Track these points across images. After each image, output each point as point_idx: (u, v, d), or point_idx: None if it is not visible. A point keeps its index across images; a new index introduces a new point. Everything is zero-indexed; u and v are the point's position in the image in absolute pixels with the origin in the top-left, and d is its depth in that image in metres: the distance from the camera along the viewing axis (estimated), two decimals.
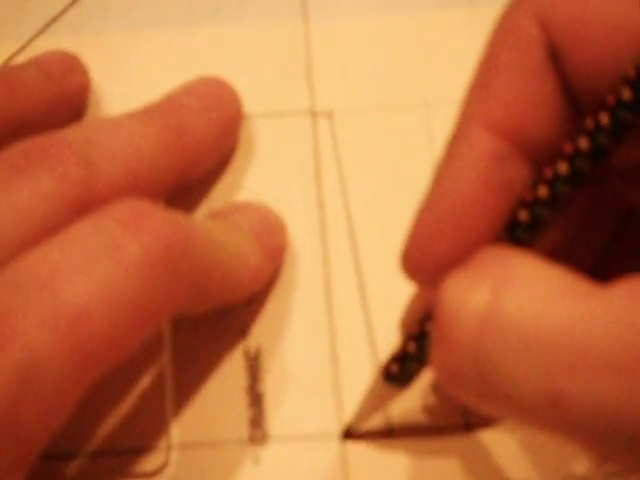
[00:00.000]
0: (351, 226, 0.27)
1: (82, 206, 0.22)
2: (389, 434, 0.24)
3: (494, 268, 0.18)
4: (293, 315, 0.26)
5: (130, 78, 0.30)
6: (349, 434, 0.24)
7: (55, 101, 0.27)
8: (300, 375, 0.25)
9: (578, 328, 0.16)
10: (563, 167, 0.18)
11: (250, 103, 0.28)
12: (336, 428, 0.24)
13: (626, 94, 0.17)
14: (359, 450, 0.24)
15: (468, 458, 0.24)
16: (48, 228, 0.21)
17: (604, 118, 0.18)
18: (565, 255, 0.20)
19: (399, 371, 0.21)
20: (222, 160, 0.28)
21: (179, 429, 0.24)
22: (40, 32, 0.30)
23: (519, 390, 0.17)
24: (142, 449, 0.24)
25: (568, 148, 0.18)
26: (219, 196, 0.27)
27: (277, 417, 0.24)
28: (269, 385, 0.25)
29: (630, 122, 0.18)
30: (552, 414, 0.17)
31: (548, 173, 0.19)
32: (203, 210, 0.27)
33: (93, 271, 0.18)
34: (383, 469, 0.24)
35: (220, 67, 0.29)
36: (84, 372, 0.18)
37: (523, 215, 0.19)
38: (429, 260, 0.20)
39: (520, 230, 0.19)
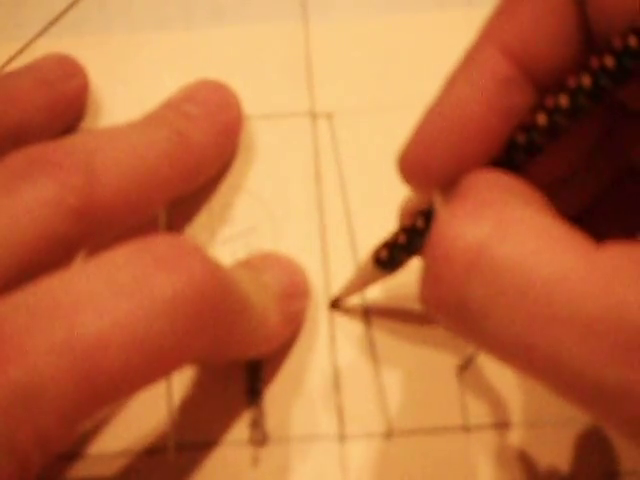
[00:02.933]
0: (351, 226, 0.27)
1: (83, 214, 0.22)
2: (389, 434, 0.24)
3: (493, 209, 0.18)
4: None
5: (130, 79, 0.30)
6: (335, 304, 0.26)
7: (54, 106, 0.27)
8: (300, 376, 0.25)
9: (564, 284, 0.17)
10: (564, 100, 0.19)
11: (250, 104, 0.28)
12: (336, 429, 0.24)
13: (632, 41, 0.18)
14: (359, 450, 0.24)
15: (467, 460, 0.24)
16: (49, 235, 0.21)
17: (609, 61, 0.18)
18: (556, 196, 0.21)
19: (387, 258, 0.23)
20: (224, 164, 0.28)
21: (179, 429, 0.24)
22: (40, 33, 0.30)
23: (496, 332, 0.17)
24: (142, 449, 0.24)
25: (571, 82, 0.19)
26: (220, 196, 0.27)
27: (277, 418, 0.24)
28: (269, 386, 0.25)
29: (633, 69, 0.18)
30: (522, 359, 0.17)
31: (549, 103, 0.19)
32: (204, 211, 0.27)
33: (116, 305, 0.18)
34: (383, 469, 0.24)
35: (220, 68, 0.29)
36: (88, 403, 0.17)
37: (520, 138, 0.19)
38: (424, 165, 0.20)
39: (516, 153, 0.20)
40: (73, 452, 0.24)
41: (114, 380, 0.18)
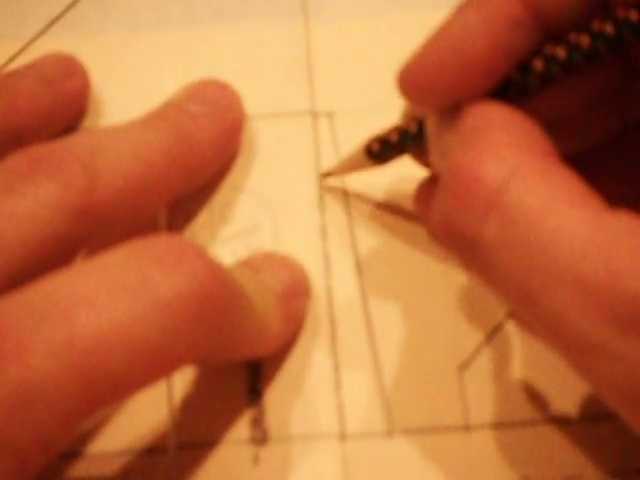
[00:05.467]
0: (351, 225, 0.27)
1: (85, 214, 0.22)
2: (390, 433, 0.24)
3: (513, 153, 0.19)
4: None
5: (131, 78, 0.30)
6: (326, 175, 0.27)
7: (54, 106, 0.27)
8: (300, 375, 0.25)
9: (569, 240, 0.17)
10: (561, 52, 0.20)
11: (250, 104, 0.28)
12: (337, 428, 0.24)
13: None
14: (359, 450, 0.24)
15: (468, 458, 0.24)
16: (50, 235, 0.21)
17: (634, 15, 0.19)
18: (561, 133, 0.21)
19: (378, 151, 0.25)
20: (226, 163, 0.28)
21: (179, 428, 0.24)
22: (40, 33, 0.30)
23: (502, 273, 0.18)
24: (143, 448, 0.24)
25: (573, 37, 0.20)
26: (220, 196, 0.27)
27: (277, 417, 0.24)
28: (270, 385, 0.25)
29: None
30: (521, 304, 0.18)
31: (549, 50, 0.20)
32: (204, 211, 0.27)
33: (118, 305, 0.18)
34: (383, 469, 0.24)
35: (220, 68, 0.29)
36: (89, 403, 0.17)
37: (538, 65, 0.20)
38: (422, 84, 0.21)
39: (530, 79, 0.20)
40: (73, 451, 0.24)
41: (115, 380, 0.18)
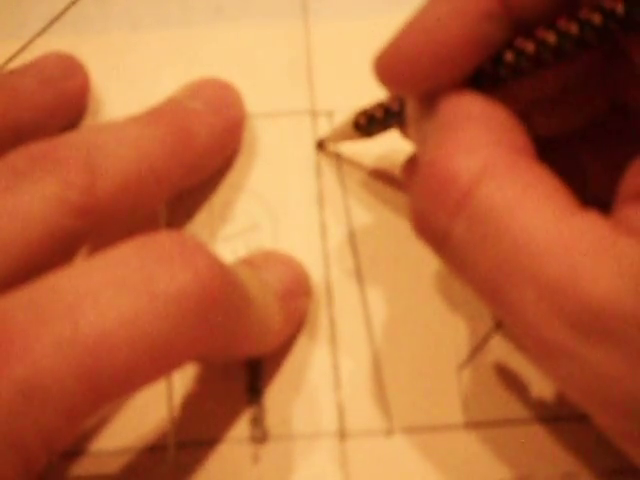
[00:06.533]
0: (351, 224, 0.27)
1: (86, 210, 0.22)
2: (390, 432, 0.24)
3: (486, 149, 0.19)
4: None
5: (130, 77, 0.30)
6: (320, 146, 0.28)
7: (55, 105, 0.27)
8: (300, 374, 0.25)
9: (534, 240, 0.17)
10: (530, 47, 0.20)
11: (250, 103, 0.28)
12: (337, 426, 0.24)
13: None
14: (359, 450, 0.24)
15: (468, 457, 0.24)
16: (52, 232, 0.21)
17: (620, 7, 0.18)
18: (544, 115, 0.22)
19: (364, 125, 0.25)
20: (226, 161, 0.28)
21: (179, 427, 0.24)
22: (40, 32, 0.30)
23: (472, 269, 0.19)
24: (143, 447, 0.24)
25: (540, 33, 0.20)
26: (220, 194, 0.27)
27: (277, 416, 0.24)
28: (270, 383, 0.25)
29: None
30: (490, 300, 0.19)
31: (519, 43, 0.20)
32: (204, 209, 0.27)
33: (121, 301, 0.18)
34: (383, 469, 0.24)
35: (220, 67, 0.29)
36: (92, 401, 0.17)
37: (488, 67, 0.20)
38: (395, 72, 0.21)
39: (484, 79, 0.21)
40: (74, 449, 0.24)
41: (118, 377, 0.18)
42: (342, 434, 0.24)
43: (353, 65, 0.29)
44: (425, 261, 0.26)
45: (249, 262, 0.24)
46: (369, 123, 0.25)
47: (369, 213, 0.27)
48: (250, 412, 0.24)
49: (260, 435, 0.24)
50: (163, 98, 0.27)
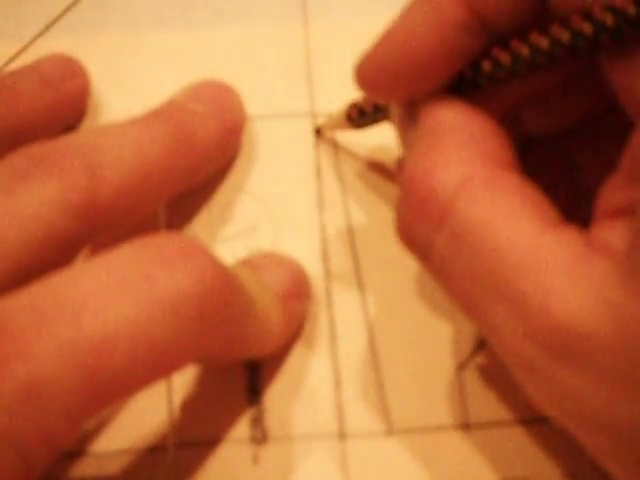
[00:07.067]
0: (350, 226, 0.27)
1: (87, 212, 0.22)
2: (390, 432, 0.24)
3: (465, 164, 0.19)
4: None
5: (130, 79, 0.30)
6: (318, 133, 0.28)
7: (55, 107, 0.27)
8: (300, 375, 0.25)
9: (510, 257, 0.17)
10: (505, 58, 0.20)
11: (250, 105, 0.28)
12: (336, 428, 0.24)
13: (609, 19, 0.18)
14: (359, 451, 0.24)
15: (468, 458, 0.24)
16: (53, 234, 0.21)
17: (609, 19, 0.18)
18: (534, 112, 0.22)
19: (356, 118, 0.26)
20: (226, 163, 0.28)
21: (179, 428, 0.24)
22: (41, 33, 0.30)
23: (451, 282, 0.19)
24: (143, 447, 0.24)
25: (515, 45, 0.20)
26: (220, 196, 0.27)
27: (277, 416, 0.24)
28: (269, 384, 0.25)
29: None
30: (470, 315, 0.19)
31: (495, 53, 0.20)
32: (204, 211, 0.27)
33: (122, 303, 0.18)
34: (383, 469, 0.24)
35: (220, 68, 0.29)
36: (94, 401, 0.17)
37: (469, 73, 0.21)
38: (374, 80, 0.21)
39: (465, 84, 0.21)
40: (75, 450, 0.24)
41: (119, 378, 0.18)
42: (342, 435, 0.24)
43: (352, 67, 0.29)
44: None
45: (249, 264, 0.24)
46: (359, 116, 0.26)
47: (369, 215, 0.27)
48: (250, 413, 0.24)
49: (260, 436, 0.24)
50: (163, 100, 0.27)
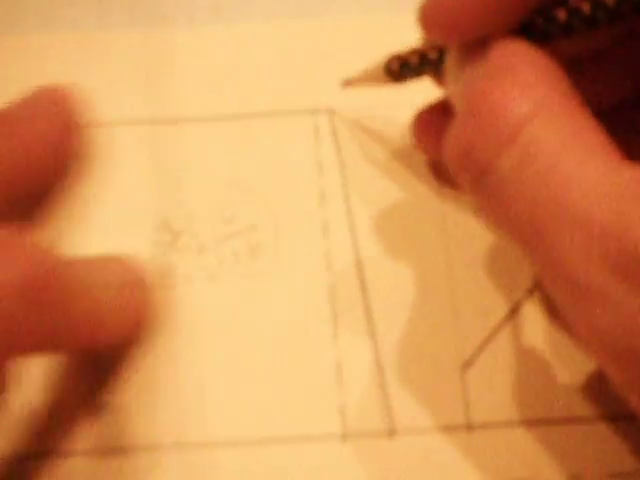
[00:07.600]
0: (352, 223, 0.27)
1: None
2: (389, 434, 0.24)
3: (539, 91, 0.19)
4: (293, 313, 0.26)
5: (130, 78, 0.29)
6: (346, 84, 0.28)
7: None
8: (301, 375, 0.25)
9: (582, 186, 0.17)
10: (585, 6, 0.20)
11: (251, 101, 0.28)
12: (337, 428, 0.24)
13: None
14: (359, 450, 0.24)
15: (468, 458, 0.24)
16: None
17: None
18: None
19: (397, 70, 0.25)
20: (66, 166, 0.27)
21: (177, 428, 0.24)
22: (38, 30, 0.30)
23: (511, 209, 0.19)
24: (142, 448, 0.24)
25: None
26: (220, 194, 0.27)
27: (278, 417, 0.24)
28: (269, 385, 0.25)
29: None
30: (525, 242, 0.19)
31: (574, 2, 0.20)
32: (204, 209, 0.27)
33: None
34: (384, 469, 0.24)
35: (221, 66, 0.29)
36: None
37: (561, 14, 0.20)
38: (442, 20, 0.21)
39: (531, 33, 0.20)
40: (67, 450, 0.24)
41: None
42: (343, 435, 0.24)
43: (354, 62, 0.29)
44: (429, 260, 0.26)
45: (78, 259, 0.24)
46: (402, 69, 0.25)
47: (371, 211, 0.27)
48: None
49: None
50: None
